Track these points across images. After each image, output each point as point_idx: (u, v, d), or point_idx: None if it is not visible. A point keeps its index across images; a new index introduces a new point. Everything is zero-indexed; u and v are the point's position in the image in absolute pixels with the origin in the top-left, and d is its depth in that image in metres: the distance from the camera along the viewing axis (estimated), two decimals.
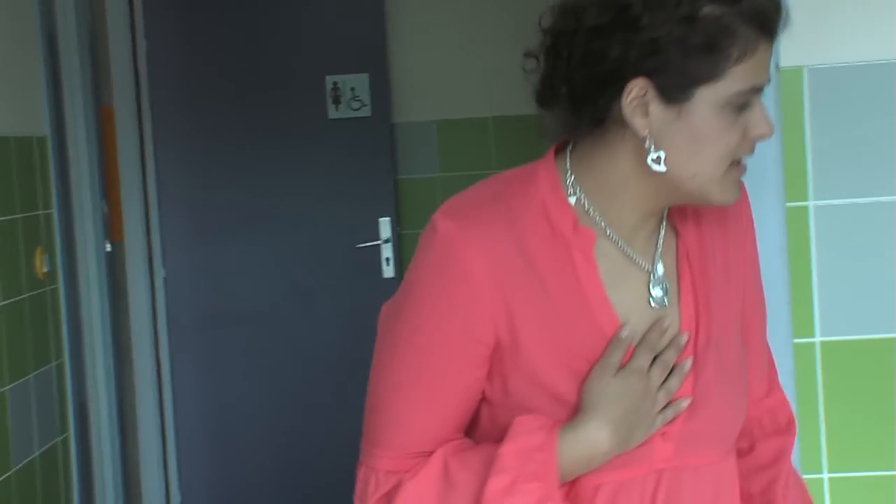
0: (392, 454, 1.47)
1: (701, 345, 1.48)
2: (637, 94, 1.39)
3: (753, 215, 1.64)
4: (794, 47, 2.08)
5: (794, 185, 2.12)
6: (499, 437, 1.43)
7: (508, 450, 1.40)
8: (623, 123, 1.41)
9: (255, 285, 4.64)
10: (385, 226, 4.58)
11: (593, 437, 1.40)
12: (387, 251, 4.58)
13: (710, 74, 1.38)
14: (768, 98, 1.77)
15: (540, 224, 1.44)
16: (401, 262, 4.60)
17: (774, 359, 1.71)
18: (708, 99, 1.39)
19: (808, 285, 2.12)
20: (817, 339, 2.14)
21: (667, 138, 1.40)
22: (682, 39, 1.36)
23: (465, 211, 1.45)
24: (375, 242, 4.59)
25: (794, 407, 1.75)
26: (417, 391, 1.46)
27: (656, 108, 1.40)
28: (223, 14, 4.58)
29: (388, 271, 4.58)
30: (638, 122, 1.40)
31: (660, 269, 1.49)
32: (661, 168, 1.41)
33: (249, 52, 4.60)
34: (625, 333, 1.43)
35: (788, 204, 2.08)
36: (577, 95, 1.43)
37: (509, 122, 4.64)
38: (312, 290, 4.63)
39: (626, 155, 1.44)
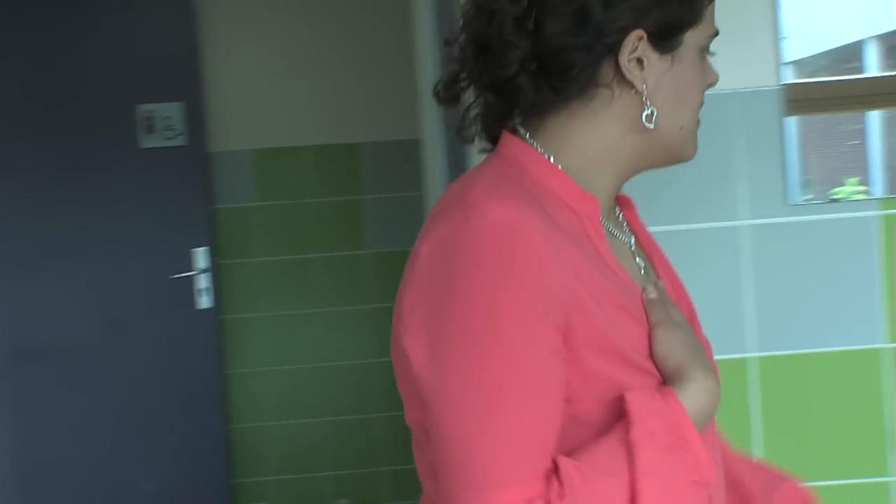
0: (519, 483, 1.22)
1: (686, 314, 1.45)
2: (632, 48, 1.33)
3: None
4: None
5: None
6: (582, 432, 1.28)
7: (639, 431, 1.25)
8: (609, 86, 1.34)
9: (65, 318, 4.51)
10: (201, 256, 4.51)
11: (706, 387, 1.32)
12: (203, 281, 4.51)
13: (694, 17, 1.37)
14: None
15: (552, 199, 1.34)
16: (219, 293, 4.53)
17: None
18: (691, 44, 1.37)
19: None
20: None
21: (660, 91, 1.36)
22: None
23: (502, 194, 1.28)
24: (190, 273, 4.51)
25: None
26: (518, 402, 1.24)
27: (651, 59, 1.35)
28: (28, 40, 4.45)
29: (205, 302, 4.50)
30: (636, 76, 1.34)
31: (632, 240, 1.46)
32: (651, 125, 1.36)
33: (59, 79, 4.47)
34: (653, 294, 1.36)
35: None
36: (552, 66, 1.32)
37: (327, 150, 4.63)
38: (125, 323, 4.52)
39: (612, 120, 1.36)
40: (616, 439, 1.26)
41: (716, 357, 1.43)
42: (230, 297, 4.61)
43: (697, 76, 1.39)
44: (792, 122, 2.30)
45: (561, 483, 1.22)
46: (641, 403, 1.27)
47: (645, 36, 1.33)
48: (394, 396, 4.78)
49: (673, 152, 1.42)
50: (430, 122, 2.78)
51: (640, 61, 1.34)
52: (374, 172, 4.64)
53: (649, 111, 1.35)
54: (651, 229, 2.16)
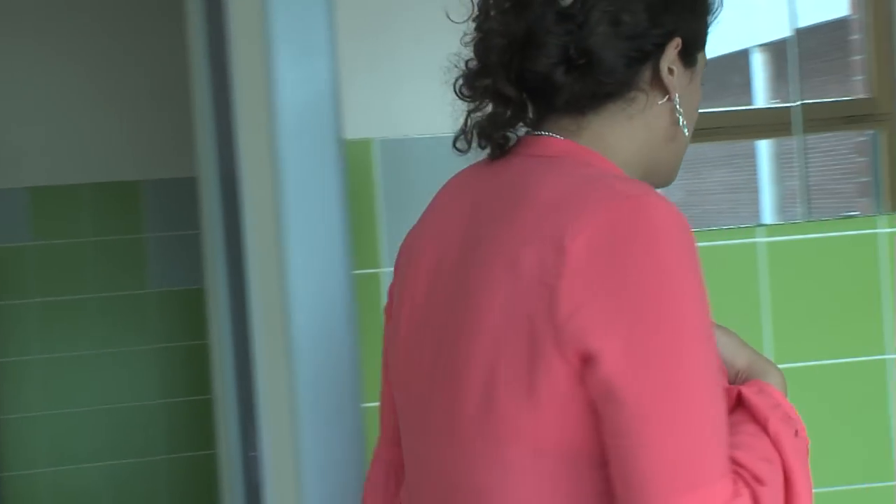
0: (721, 477, 1.16)
1: None
2: (671, 55, 1.32)
3: (317, 284, 1.67)
4: (362, 120, 2.16)
5: (366, 253, 2.18)
6: None
7: (775, 421, 1.26)
8: (645, 91, 1.32)
9: None
10: None
11: (780, 375, 1.36)
12: None
13: (705, 38, 1.38)
14: (331, 169, 1.82)
15: None
16: None
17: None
18: (701, 64, 1.39)
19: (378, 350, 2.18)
20: None
21: (682, 104, 1.35)
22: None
23: (648, 188, 1.22)
24: None
25: None
26: (711, 398, 1.18)
27: (678, 70, 1.34)
28: None
29: None
30: (671, 83, 1.33)
31: None
32: (686, 131, 1.35)
33: None
34: None
35: (359, 271, 2.14)
36: (595, 64, 1.28)
37: (106, 188, 4.53)
38: None
39: (643, 126, 1.34)
40: (757, 430, 1.26)
41: None
42: (2, 341, 4.45)
43: (699, 99, 1.40)
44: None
45: (750, 477, 1.19)
46: (758, 398, 1.28)
47: (680, 45, 1.33)
48: (178, 437, 4.66)
49: (671, 172, 1.42)
50: (206, 159, 2.76)
51: (671, 70, 1.33)
52: (155, 211, 4.56)
53: (681, 119, 1.34)
54: None
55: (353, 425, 1.84)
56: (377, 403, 2.17)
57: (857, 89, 2.44)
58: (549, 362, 1.17)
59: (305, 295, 1.85)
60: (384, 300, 2.19)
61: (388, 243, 2.21)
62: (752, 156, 2.67)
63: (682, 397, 1.15)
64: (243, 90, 1.95)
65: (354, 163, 2.18)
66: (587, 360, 1.16)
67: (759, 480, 1.18)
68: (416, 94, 2.22)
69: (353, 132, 2.16)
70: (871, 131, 2.41)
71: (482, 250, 1.26)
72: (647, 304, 1.15)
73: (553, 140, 1.31)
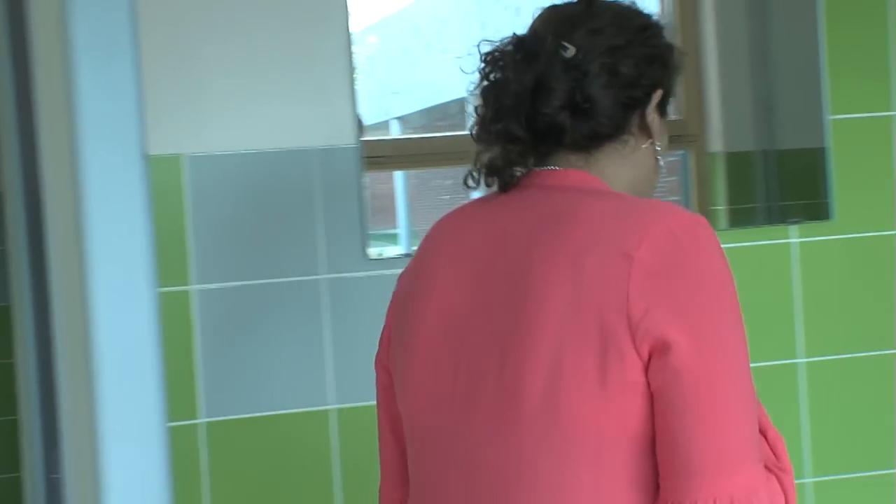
0: (758, 460, 1.38)
1: None
2: (654, 104, 1.51)
3: (121, 302, 1.65)
4: (171, 136, 2.15)
5: (174, 270, 2.16)
6: None
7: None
8: (634, 134, 1.50)
9: None
10: None
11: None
12: None
13: (674, 92, 1.56)
14: (136, 185, 1.80)
15: None
16: None
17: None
18: (667, 113, 1.56)
19: (190, 368, 2.17)
20: (202, 420, 2.18)
21: (661, 145, 1.54)
22: (672, 55, 1.53)
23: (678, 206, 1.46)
24: None
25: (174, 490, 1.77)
26: (751, 385, 1.39)
27: (657, 118, 1.52)
28: None
29: None
30: (655, 128, 1.52)
31: None
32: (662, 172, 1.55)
33: None
34: None
35: (165, 289, 2.12)
36: (593, 110, 1.46)
37: None
38: None
39: (631, 165, 1.52)
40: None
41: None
42: None
43: (667, 142, 1.57)
44: (399, 176, 2.43)
45: (773, 464, 1.40)
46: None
47: (661, 96, 1.51)
48: None
49: None
50: (10, 175, 2.69)
51: (653, 118, 1.52)
52: None
53: (661, 160, 1.55)
54: (234, 283, 2.20)
55: (157, 445, 1.81)
56: (183, 423, 2.17)
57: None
58: (623, 353, 1.33)
59: (109, 313, 1.82)
60: (194, 317, 2.18)
61: (197, 260, 2.20)
62: None
63: (736, 384, 1.35)
64: (45, 105, 1.92)
65: (163, 179, 2.16)
66: (660, 352, 1.33)
67: (782, 468, 1.41)
68: (227, 111, 2.22)
69: (161, 148, 2.15)
70: (681, 151, 2.50)
71: (535, 263, 1.40)
72: (707, 303, 1.36)
73: (571, 171, 1.49)
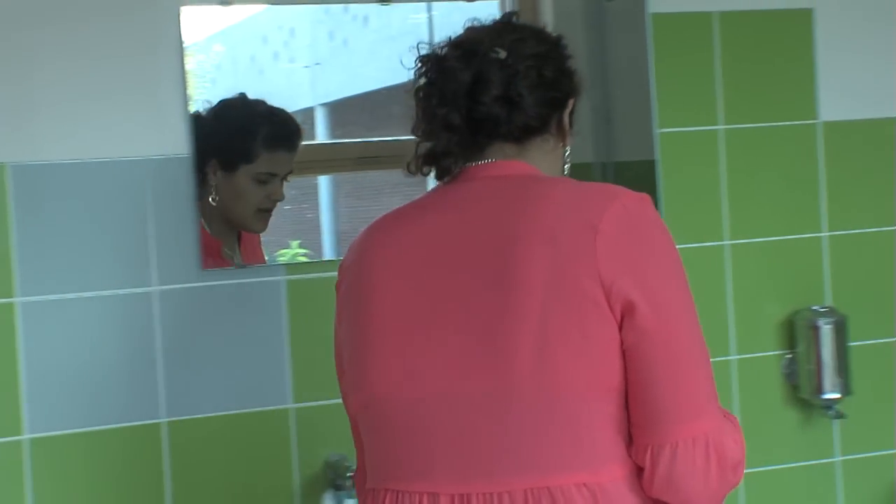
0: (717, 400, 1.59)
1: None
2: (570, 110, 1.70)
3: None
4: None
5: None
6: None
7: None
8: (553, 134, 1.68)
9: None
10: None
11: None
12: None
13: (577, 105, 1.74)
14: None
15: None
16: None
17: None
18: (573, 124, 1.74)
19: (16, 382, 2.14)
20: (26, 436, 2.15)
21: (570, 150, 1.74)
22: (577, 73, 1.72)
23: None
24: None
25: None
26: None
27: (568, 126, 1.71)
28: None
29: None
30: (567, 132, 1.70)
31: None
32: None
33: None
34: None
35: None
36: (523, 105, 1.63)
37: None
38: None
39: (551, 161, 1.70)
40: None
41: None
42: None
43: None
44: None
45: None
46: None
47: (572, 105, 1.70)
48: None
49: None
50: None
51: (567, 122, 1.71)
52: None
53: (568, 165, 1.74)
54: (61, 296, 2.16)
55: None
56: (12, 438, 2.12)
57: None
58: (602, 314, 1.50)
59: None
60: (19, 327, 2.13)
61: (22, 272, 2.15)
62: (422, 183, 2.73)
63: (692, 338, 1.55)
64: None
65: None
66: (629, 313, 1.50)
67: (728, 414, 1.61)
68: (56, 119, 2.17)
69: None
70: None
71: (516, 241, 1.54)
72: (661, 268, 1.55)
73: (512, 162, 1.65)
